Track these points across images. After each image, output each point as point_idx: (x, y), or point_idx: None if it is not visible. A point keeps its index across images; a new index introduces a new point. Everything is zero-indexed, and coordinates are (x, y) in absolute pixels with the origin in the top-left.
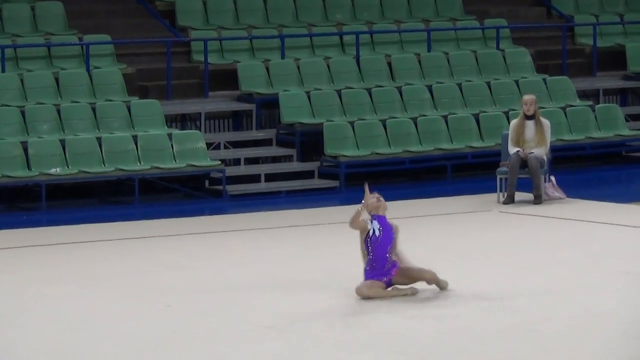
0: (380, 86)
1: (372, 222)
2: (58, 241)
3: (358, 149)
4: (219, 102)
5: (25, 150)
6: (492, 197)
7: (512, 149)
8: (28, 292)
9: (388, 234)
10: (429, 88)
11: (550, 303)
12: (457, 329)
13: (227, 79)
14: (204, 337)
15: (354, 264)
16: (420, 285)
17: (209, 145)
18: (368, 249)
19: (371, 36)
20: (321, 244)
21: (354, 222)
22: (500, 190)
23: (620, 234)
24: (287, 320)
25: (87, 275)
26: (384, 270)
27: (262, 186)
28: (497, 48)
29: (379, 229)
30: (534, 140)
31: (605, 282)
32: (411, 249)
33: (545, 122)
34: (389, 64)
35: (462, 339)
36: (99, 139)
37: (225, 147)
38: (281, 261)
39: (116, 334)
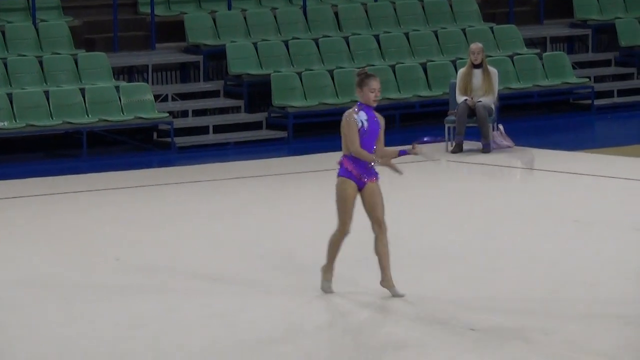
0: (328, 36)
1: (358, 113)
2: (5, 195)
3: (306, 100)
4: (166, 54)
5: None
6: (441, 146)
7: (460, 98)
8: None
9: (374, 126)
10: (376, 38)
11: (499, 251)
12: (402, 281)
13: (174, 30)
14: (153, 290)
15: (303, 214)
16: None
17: (156, 97)
18: None
19: None
20: (271, 195)
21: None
22: (449, 139)
23: (568, 181)
24: (236, 273)
25: (35, 228)
26: (366, 168)
27: (210, 138)
28: None
29: (365, 120)
30: (481, 89)
31: (553, 231)
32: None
33: (493, 71)
34: (336, 14)
35: (407, 288)
36: (46, 93)
37: (173, 99)
38: (230, 213)
39: (64, 286)
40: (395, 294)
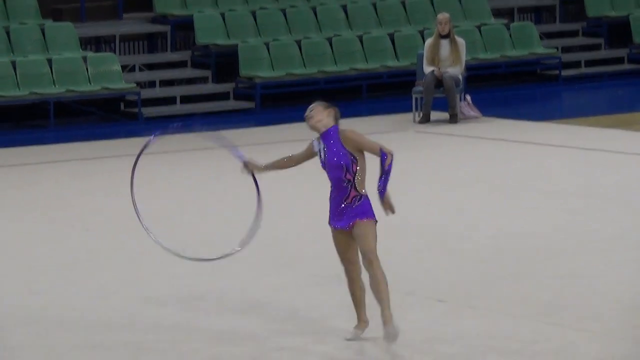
0: (295, 6)
1: (318, 142)
2: None
3: (273, 70)
4: (133, 24)
5: None
6: (408, 116)
7: (428, 69)
8: None
9: (334, 151)
10: (344, 8)
11: (467, 221)
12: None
13: (141, 0)
14: (123, 261)
15: (269, 184)
16: None
17: (123, 67)
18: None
19: None
20: (238, 166)
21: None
22: (416, 110)
23: (535, 152)
24: (207, 244)
25: (3, 199)
26: (343, 206)
27: (178, 108)
28: None
29: (323, 149)
30: (449, 60)
31: (521, 201)
32: None
33: (460, 41)
34: None
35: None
36: (13, 63)
37: (140, 70)
38: (199, 184)
39: (32, 256)
40: (387, 334)
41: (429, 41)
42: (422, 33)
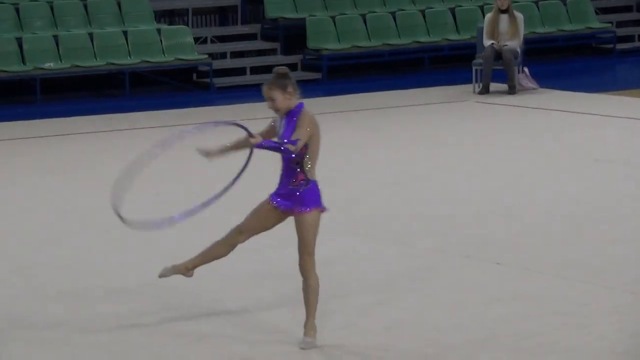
0: None
1: (279, 120)
2: (52, 133)
3: (339, 43)
4: None
5: (20, 46)
6: (468, 87)
7: (487, 42)
8: (21, 181)
9: (290, 130)
10: None
11: (523, 188)
12: (431, 217)
13: None
14: (192, 224)
15: (336, 149)
16: None
17: (196, 39)
18: None
19: None
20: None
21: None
22: (476, 81)
23: (590, 122)
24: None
25: (79, 165)
26: (290, 187)
27: (248, 78)
28: None
29: (283, 126)
30: (507, 33)
31: (576, 169)
32: (390, 138)
33: (519, 16)
34: None
35: (434, 223)
36: (90, 35)
37: (212, 42)
38: (265, 152)
39: (106, 218)
40: (304, 343)
41: (488, 16)
42: (482, 8)
